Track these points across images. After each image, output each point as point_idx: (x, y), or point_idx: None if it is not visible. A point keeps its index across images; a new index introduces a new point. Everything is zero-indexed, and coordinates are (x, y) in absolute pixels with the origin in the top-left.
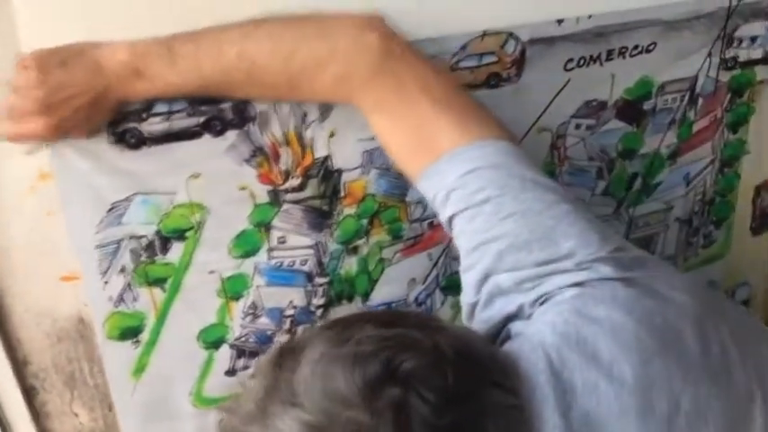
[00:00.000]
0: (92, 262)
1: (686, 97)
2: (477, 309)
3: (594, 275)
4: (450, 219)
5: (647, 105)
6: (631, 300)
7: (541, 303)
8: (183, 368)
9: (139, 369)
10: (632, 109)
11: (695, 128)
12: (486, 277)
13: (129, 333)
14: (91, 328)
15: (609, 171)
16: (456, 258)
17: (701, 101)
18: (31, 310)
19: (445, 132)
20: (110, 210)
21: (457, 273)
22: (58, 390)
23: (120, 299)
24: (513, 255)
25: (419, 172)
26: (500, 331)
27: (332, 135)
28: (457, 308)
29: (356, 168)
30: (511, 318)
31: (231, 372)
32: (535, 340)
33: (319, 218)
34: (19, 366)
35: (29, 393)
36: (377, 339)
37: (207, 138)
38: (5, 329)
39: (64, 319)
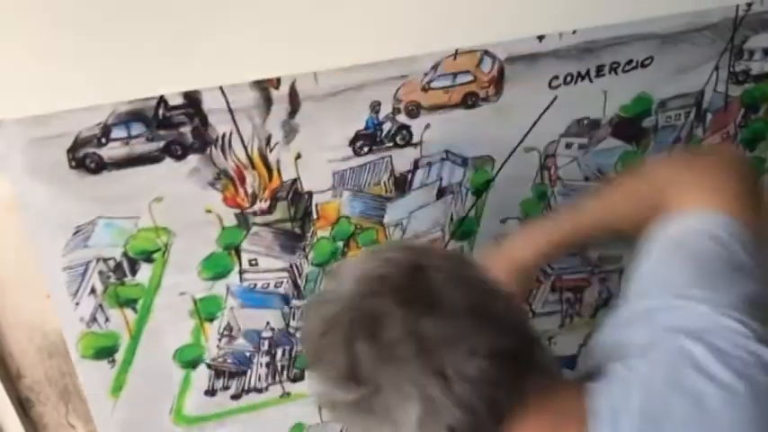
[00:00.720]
0: (61, 284)
1: (692, 114)
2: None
3: None
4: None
5: (646, 123)
6: None
7: None
8: (160, 387)
9: (117, 387)
10: (630, 127)
11: (705, 143)
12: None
13: (104, 352)
14: None
15: None
16: None
17: (709, 116)
18: (22, 324)
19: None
20: (75, 233)
21: None
22: (53, 402)
23: (93, 319)
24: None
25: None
26: None
27: (298, 157)
28: None
29: (327, 190)
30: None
31: (211, 392)
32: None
33: (291, 240)
34: (12, 379)
35: (24, 406)
36: None
37: (168, 161)
38: None
39: (53, 335)
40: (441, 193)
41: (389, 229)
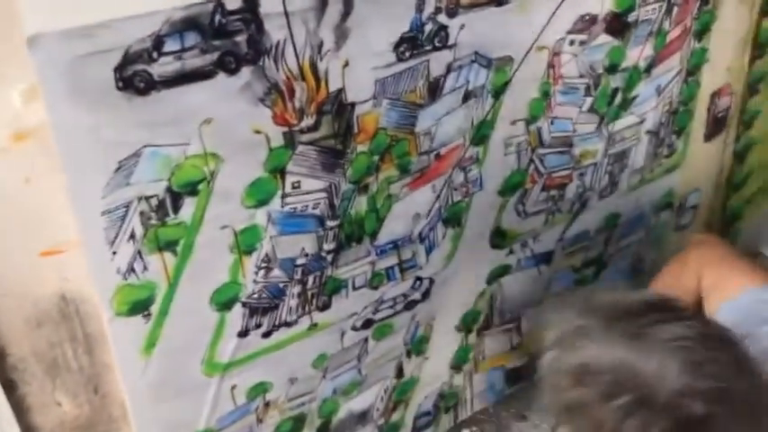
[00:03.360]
0: (98, 232)
1: (663, 7)
2: None
3: None
4: None
5: (631, 17)
6: None
7: None
8: (194, 336)
9: (150, 344)
10: (619, 22)
11: (668, 38)
12: None
13: (140, 306)
14: (75, 306)
15: (595, 87)
16: (457, 188)
17: (675, 10)
18: (8, 294)
19: None
20: (117, 169)
21: (458, 203)
22: (39, 380)
23: (130, 269)
24: None
25: None
26: None
27: (346, 65)
28: (456, 241)
29: (368, 101)
30: None
31: (244, 333)
32: None
33: (333, 158)
34: None
35: (7, 389)
36: None
37: (221, 77)
38: None
39: (45, 300)
40: (466, 97)
41: (420, 138)
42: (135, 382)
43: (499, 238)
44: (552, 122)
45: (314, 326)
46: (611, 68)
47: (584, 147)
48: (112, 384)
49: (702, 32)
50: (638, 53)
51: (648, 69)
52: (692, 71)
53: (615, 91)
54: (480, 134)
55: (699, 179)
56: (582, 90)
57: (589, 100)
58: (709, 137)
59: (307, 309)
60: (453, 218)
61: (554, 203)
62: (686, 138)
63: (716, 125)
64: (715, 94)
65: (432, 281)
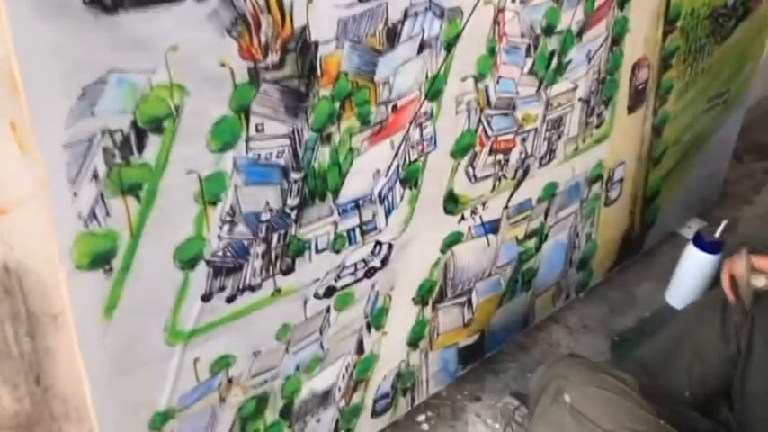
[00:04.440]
0: (60, 166)
1: None
2: None
3: None
4: None
5: None
6: None
7: None
8: (157, 298)
9: (111, 305)
10: None
11: (596, 3)
12: None
13: (101, 259)
14: (18, 278)
15: (534, 48)
16: (413, 146)
17: None
18: None
19: None
20: (81, 96)
21: (414, 162)
22: None
23: (92, 215)
24: None
25: None
26: None
27: (310, 1)
28: (413, 204)
29: (331, 41)
30: None
31: (208, 296)
32: None
33: (296, 100)
34: None
35: None
36: None
37: (189, 2)
38: None
39: None
40: (421, 47)
41: (379, 87)
42: (94, 350)
43: (452, 203)
44: (498, 82)
45: (278, 291)
46: (548, 30)
47: (525, 110)
48: (56, 375)
49: (624, 2)
50: (570, 16)
51: (580, 34)
52: (616, 40)
53: (552, 54)
54: (434, 88)
55: (624, 151)
56: (523, 50)
57: (529, 62)
58: (631, 109)
59: (271, 271)
60: (410, 178)
61: (500, 168)
62: (613, 108)
63: (637, 97)
64: (635, 66)
65: (390, 246)
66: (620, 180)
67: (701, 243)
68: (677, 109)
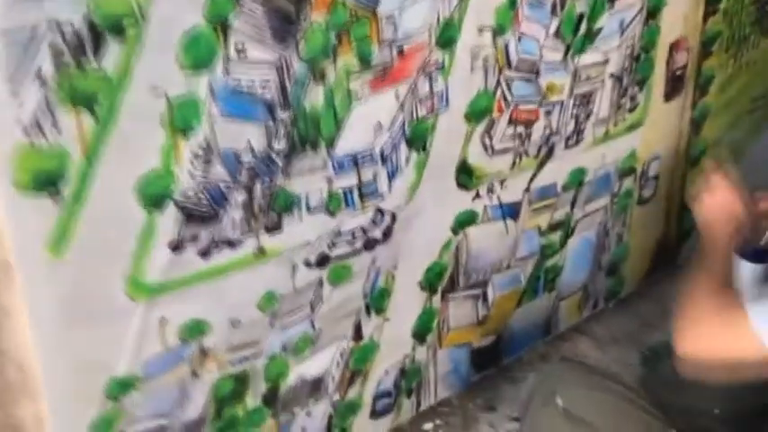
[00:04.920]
0: None
1: None
2: None
3: None
4: None
5: None
6: None
7: None
8: (117, 239)
9: (60, 239)
10: None
11: None
12: None
13: (46, 179)
14: None
15: (561, 7)
16: (422, 100)
17: None
18: None
19: None
20: None
21: (422, 121)
22: None
23: (36, 125)
24: None
25: None
26: None
27: None
28: (420, 170)
29: None
30: None
31: (178, 244)
32: None
33: (285, 23)
34: None
35: None
36: None
37: None
38: None
39: None
40: None
41: (382, 22)
42: (40, 294)
43: (465, 175)
44: (520, 40)
45: (261, 251)
46: None
47: (550, 78)
48: (11, 338)
49: None
50: None
51: (612, 0)
52: (653, 12)
53: (580, 18)
54: (446, 36)
55: (659, 144)
56: (548, 6)
57: (555, 22)
58: (668, 96)
59: (253, 226)
60: (418, 138)
61: (521, 143)
62: (648, 92)
63: (674, 83)
64: (673, 47)
65: (394, 216)
66: (656, 177)
67: (746, 252)
68: (719, 104)
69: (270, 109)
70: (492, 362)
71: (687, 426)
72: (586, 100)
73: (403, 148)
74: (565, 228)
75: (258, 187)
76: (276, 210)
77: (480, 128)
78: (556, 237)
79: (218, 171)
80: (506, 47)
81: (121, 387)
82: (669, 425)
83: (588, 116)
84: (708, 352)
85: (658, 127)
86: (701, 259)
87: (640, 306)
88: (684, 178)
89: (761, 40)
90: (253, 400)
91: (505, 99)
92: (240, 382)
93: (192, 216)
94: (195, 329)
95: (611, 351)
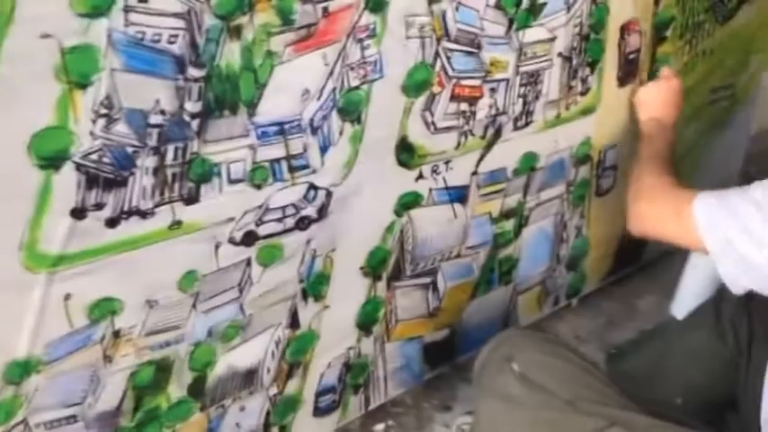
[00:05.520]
0: None
1: None
2: None
3: None
4: None
5: None
6: None
7: None
8: (8, 201)
9: None
10: None
11: None
12: None
13: None
14: None
15: None
16: (353, 67)
17: None
18: None
19: None
20: None
21: (355, 89)
22: None
23: None
24: None
25: None
26: None
27: None
28: (356, 144)
29: None
30: None
31: (80, 211)
32: None
33: None
34: None
35: None
36: None
37: None
38: None
39: None
40: None
41: None
42: None
43: (406, 153)
44: (457, 9)
45: (177, 224)
46: None
47: (493, 54)
48: None
49: None
50: None
51: None
52: None
53: None
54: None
55: (616, 132)
56: None
57: None
58: (622, 81)
59: (167, 195)
60: (351, 108)
61: (465, 121)
62: (600, 75)
63: (628, 67)
64: (624, 29)
65: (329, 193)
66: (613, 167)
67: None
68: None
69: (180, 65)
70: (446, 358)
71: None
72: (534, 79)
73: (335, 118)
74: (518, 216)
75: (170, 151)
76: (192, 178)
77: (420, 102)
78: (509, 225)
79: (124, 131)
80: (443, 15)
81: (22, 370)
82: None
83: (537, 96)
84: (654, 231)
85: (613, 114)
86: (645, 144)
87: (604, 304)
88: None
89: (715, 29)
90: (177, 390)
91: (446, 73)
92: (162, 371)
93: (95, 181)
94: (106, 308)
95: None
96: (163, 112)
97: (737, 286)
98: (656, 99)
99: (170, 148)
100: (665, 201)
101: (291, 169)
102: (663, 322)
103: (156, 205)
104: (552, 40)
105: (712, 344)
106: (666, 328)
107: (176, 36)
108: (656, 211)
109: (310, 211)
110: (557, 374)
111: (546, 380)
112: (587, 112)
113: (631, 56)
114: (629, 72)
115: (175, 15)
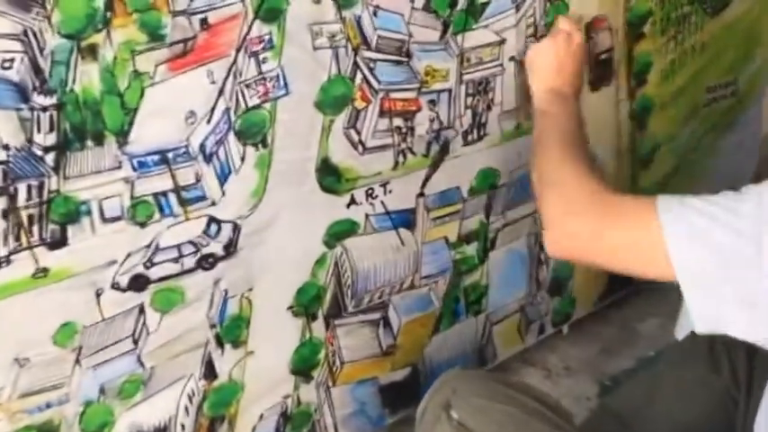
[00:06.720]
0: None
1: None
2: None
3: None
4: None
5: None
6: None
7: None
8: None
9: None
10: None
11: None
12: None
13: None
14: None
15: None
16: (249, 85)
17: None
18: None
19: None
20: None
21: (254, 108)
22: None
23: None
24: None
25: None
26: None
27: None
28: (263, 169)
29: None
30: None
31: None
32: None
33: None
34: None
35: None
36: None
37: None
38: None
39: None
40: None
41: None
42: None
43: (330, 177)
44: (375, 14)
45: (43, 271)
46: None
47: (428, 61)
48: None
49: None
50: None
51: None
52: None
53: None
54: (268, 5)
55: (594, 140)
56: None
57: None
58: (594, 84)
59: (25, 241)
60: (252, 130)
61: (402, 138)
62: None
63: (600, 70)
64: (589, 27)
65: (236, 227)
66: None
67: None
68: (665, 95)
69: (22, 94)
70: (410, 399)
71: None
72: (483, 88)
73: (233, 142)
74: (481, 239)
75: (23, 191)
76: (56, 220)
77: (341, 120)
78: (471, 250)
79: None
80: (358, 22)
81: None
82: None
83: (489, 107)
84: (593, 254)
85: (588, 121)
86: (549, 128)
87: (602, 331)
88: (635, 179)
89: (705, 21)
90: None
91: (370, 85)
92: None
93: None
94: None
95: (563, 382)
96: (6, 147)
97: None
98: (552, 62)
99: (21, 188)
100: (615, 211)
101: (183, 202)
102: (662, 349)
103: (12, 252)
104: (501, 43)
105: (708, 378)
106: (659, 358)
107: (12, 60)
108: (596, 225)
109: (215, 247)
110: (500, 421)
111: (485, 429)
112: None
113: (602, 56)
114: (601, 75)
115: (7, 36)
